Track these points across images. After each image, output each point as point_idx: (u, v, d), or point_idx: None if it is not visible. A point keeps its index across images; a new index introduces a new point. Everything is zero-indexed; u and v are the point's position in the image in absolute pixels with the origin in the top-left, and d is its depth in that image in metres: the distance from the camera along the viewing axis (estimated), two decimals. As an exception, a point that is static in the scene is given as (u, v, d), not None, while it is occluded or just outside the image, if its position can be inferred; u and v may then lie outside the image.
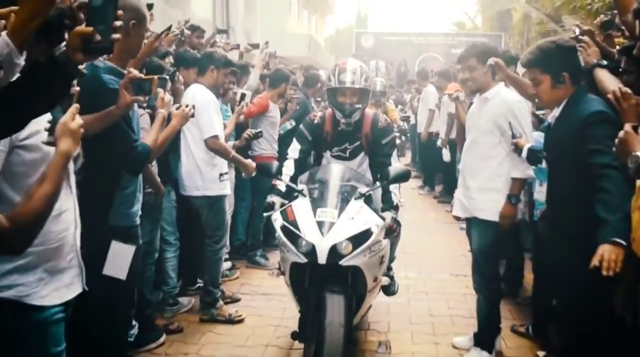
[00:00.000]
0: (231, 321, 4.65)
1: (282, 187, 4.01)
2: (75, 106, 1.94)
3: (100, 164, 2.69)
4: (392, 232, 3.78)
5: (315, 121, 4.22)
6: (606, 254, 2.35)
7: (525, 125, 3.81)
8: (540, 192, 3.92)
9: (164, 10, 10.84)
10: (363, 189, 3.76)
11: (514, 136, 3.74)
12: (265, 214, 4.04)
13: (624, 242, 2.36)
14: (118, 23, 1.83)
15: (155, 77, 2.81)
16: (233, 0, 18.03)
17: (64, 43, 1.84)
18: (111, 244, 2.81)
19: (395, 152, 4.20)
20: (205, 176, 4.55)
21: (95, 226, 2.56)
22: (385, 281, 3.95)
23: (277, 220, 3.61)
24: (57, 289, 2.19)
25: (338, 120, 4.06)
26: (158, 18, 7.78)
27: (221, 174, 4.61)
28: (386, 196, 3.93)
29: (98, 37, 1.78)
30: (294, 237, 3.45)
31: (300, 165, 4.18)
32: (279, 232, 3.56)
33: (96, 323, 2.74)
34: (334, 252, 3.32)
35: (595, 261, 2.35)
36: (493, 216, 3.84)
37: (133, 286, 3.25)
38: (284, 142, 6.01)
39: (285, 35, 22.15)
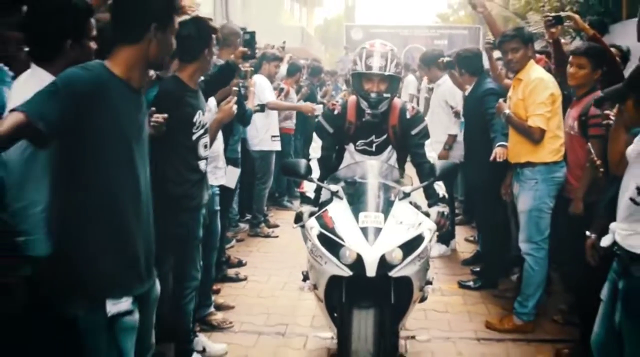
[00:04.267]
0: (269, 236, 6.93)
1: (310, 194, 3.70)
2: (232, 97, 4.02)
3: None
4: (441, 228, 3.44)
5: (336, 111, 3.83)
6: (498, 151, 4.53)
7: (458, 101, 6.07)
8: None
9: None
10: (406, 187, 3.37)
11: (452, 108, 6.03)
12: (294, 225, 3.56)
13: (505, 144, 4.54)
14: (256, 46, 4.03)
15: (251, 69, 4.93)
16: (232, -4, 19.70)
17: (232, 56, 4.01)
18: (227, 167, 4.94)
19: (428, 141, 3.81)
20: (260, 135, 6.67)
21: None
22: (431, 290, 3.42)
23: (314, 228, 3.15)
24: (217, 178, 4.35)
25: (363, 110, 3.67)
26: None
27: (272, 136, 6.78)
28: (430, 189, 3.59)
29: (248, 52, 3.96)
30: (334, 247, 2.99)
31: (325, 165, 3.82)
32: (316, 242, 3.08)
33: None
34: (383, 262, 2.90)
35: (492, 156, 4.55)
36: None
37: (232, 197, 5.42)
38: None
39: (279, 28, 24.07)
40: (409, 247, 3.01)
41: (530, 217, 4.29)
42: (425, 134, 3.78)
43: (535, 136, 4.19)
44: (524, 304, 4.35)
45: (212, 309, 4.46)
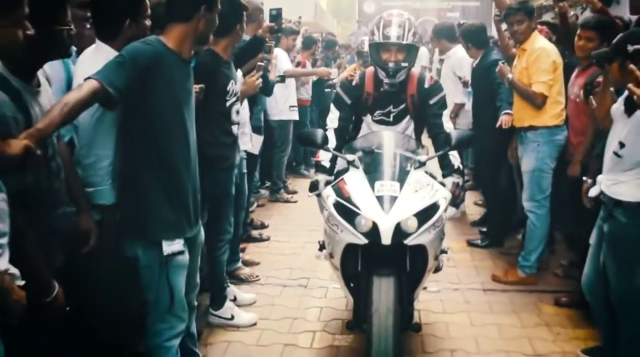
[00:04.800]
0: (288, 201, 7.36)
1: (325, 163, 3.74)
2: (258, 73, 4.39)
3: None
4: (456, 198, 3.47)
5: (354, 82, 3.88)
6: (504, 118, 4.94)
7: (466, 72, 6.37)
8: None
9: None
10: (421, 156, 3.40)
11: (460, 79, 6.35)
12: (309, 194, 3.63)
13: (511, 112, 4.90)
14: (282, 21, 4.36)
15: (272, 43, 5.29)
16: (243, -33, 19.88)
17: (260, 30, 4.36)
18: (252, 135, 5.31)
19: (445, 112, 3.85)
20: (279, 105, 7.04)
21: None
22: (445, 259, 3.50)
23: (330, 196, 3.19)
24: (243, 143, 4.72)
25: (381, 80, 3.71)
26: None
27: (290, 106, 7.14)
28: (445, 159, 3.62)
29: (275, 27, 4.31)
30: (350, 216, 3.03)
31: (342, 135, 3.88)
32: (332, 210, 3.12)
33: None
34: (398, 231, 2.94)
35: (498, 123, 4.95)
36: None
37: (256, 163, 5.81)
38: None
39: (293, 2, 24.20)
40: (424, 215, 3.03)
41: (532, 177, 4.65)
42: (443, 104, 3.80)
43: (537, 101, 4.53)
44: (526, 258, 4.74)
45: (239, 264, 4.88)
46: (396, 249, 2.98)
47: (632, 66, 2.58)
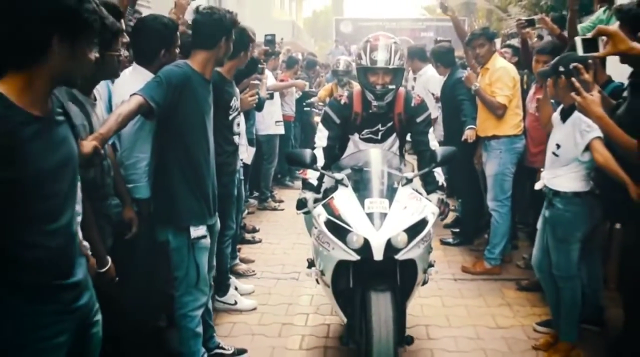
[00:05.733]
0: (276, 209, 7.97)
1: (313, 181, 3.77)
2: (252, 90, 5.02)
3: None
4: (440, 214, 3.54)
5: (343, 102, 3.94)
6: (468, 133, 5.56)
7: (437, 88, 6.93)
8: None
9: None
10: (408, 173, 3.49)
11: (433, 95, 7.02)
12: (298, 212, 3.66)
13: (474, 127, 5.56)
14: (275, 45, 5.01)
15: (265, 64, 5.93)
16: (225, -11, 20.57)
17: (257, 52, 5.01)
18: (247, 147, 5.92)
19: (431, 130, 3.96)
20: (266, 121, 7.62)
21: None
22: (434, 272, 3.60)
23: (321, 215, 3.28)
24: (241, 153, 5.32)
25: (369, 101, 3.78)
26: (167, 2, 10.67)
27: (276, 121, 7.74)
28: (430, 176, 3.71)
29: (270, 50, 4.95)
30: (341, 233, 3.12)
31: (330, 154, 3.91)
32: (323, 228, 3.21)
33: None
34: (389, 246, 3.04)
35: (463, 137, 5.57)
36: None
37: (248, 172, 6.40)
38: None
39: (272, 23, 24.94)
40: (413, 231, 3.12)
41: (495, 180, 5.32)
42: (429, 123, 3.92)
43: (499, 111, 5.22)
44: (491, 251, 5.40)
45: (237, 261, 5.48)
46: (387, 264, 3.09)
47: (572, 79, 3.11)
